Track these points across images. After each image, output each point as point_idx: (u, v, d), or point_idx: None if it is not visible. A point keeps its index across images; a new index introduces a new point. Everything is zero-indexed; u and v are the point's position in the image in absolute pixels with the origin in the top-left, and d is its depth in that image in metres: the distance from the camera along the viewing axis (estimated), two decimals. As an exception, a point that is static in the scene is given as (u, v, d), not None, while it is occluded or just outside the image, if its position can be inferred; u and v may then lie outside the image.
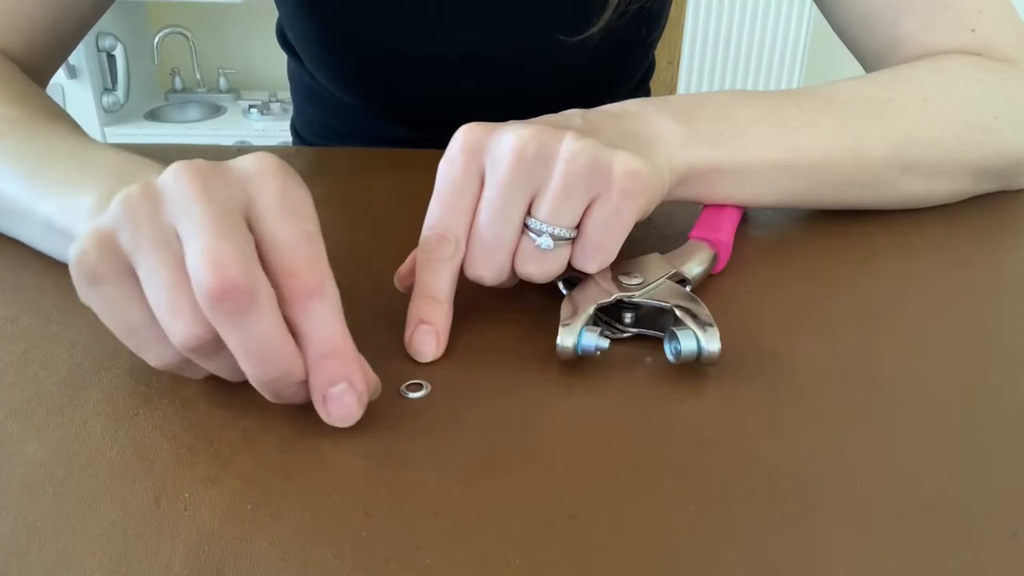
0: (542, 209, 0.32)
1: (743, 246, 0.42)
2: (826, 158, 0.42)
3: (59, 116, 0.46)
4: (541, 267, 0.33)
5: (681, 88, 2.17)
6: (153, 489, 0.26)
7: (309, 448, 0.28)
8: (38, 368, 0.32)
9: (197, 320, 0.26)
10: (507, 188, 0.32)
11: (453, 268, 0.33)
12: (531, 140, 0.32)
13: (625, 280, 0.34)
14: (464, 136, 0.33)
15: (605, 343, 0.32)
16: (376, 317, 0.36)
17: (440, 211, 0.33)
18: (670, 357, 0.32)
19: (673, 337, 0.31)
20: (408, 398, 0.30)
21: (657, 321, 0.34)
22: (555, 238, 0.32)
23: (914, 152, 0.44)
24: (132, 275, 0.27)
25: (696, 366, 0.32)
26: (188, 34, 2.28)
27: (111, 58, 2.08)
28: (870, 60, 0.54)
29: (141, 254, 0.27)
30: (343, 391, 0.27)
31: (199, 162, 0.28)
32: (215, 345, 0.27)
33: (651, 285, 0.34)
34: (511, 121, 0.34)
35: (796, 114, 0.42)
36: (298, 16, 0.65)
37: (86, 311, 0.36)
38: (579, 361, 0.32)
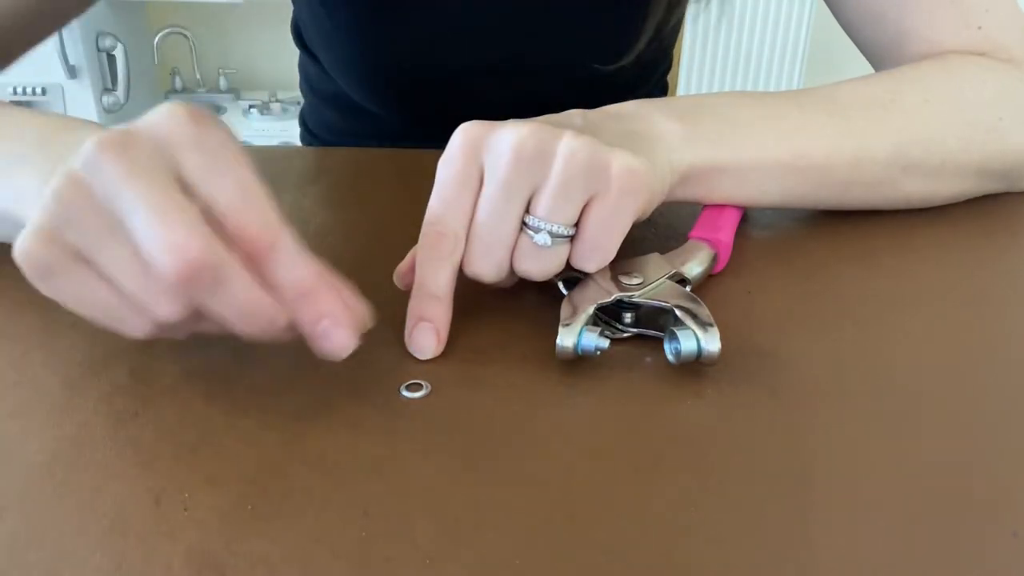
0: (540, 206, 0.32)
1: (743, 246, 0.42)
2: (828, 159, 0.42)
3: None
4: (539, 264, 0.33)
5: (681, 88, 2.17)
6: (153, 489, 0.26)
7: (309, 448, 0.28)
8: (38, 368, 0.32)
9: (173, 300, 0.26)
10: (506, 185, 0.32)
11: (452, 265, 0.33)
12: (530, 137, 0.32)
13: (625, 280, 0.34)
14: (463, 134, 0.33)
15: (605, 343, 0.32)
16: (377, 316, 0.36)
17: (439, 208, 0.33)
18: (670, 357, 0.32)
19: (673, 337, 0.31)
20: (408, 398, 0.30)
21: (657, 321, 0.34)
22: (553, 235, 0.32)
23: (916, 153, 0.44)
24: (83, 261, 0.27)
25: (696, 366, 0.32)
26: (188, 34, 2.27)
27: (111, 58, 2.08)
28: (875, 55, 0.54)
29: (92, 250, 0.27)
30: (328, 327, 0.28)
31: (112, 135, 0.27)
32: (196, 314, 0.27)
33: (651, 285, 0.34)
34: (510, 120, 0.34)
35: (798, 114, 0.42)
36: (336, 39, 0.65)
37: (86, 311, 0.36)
38: (579, 361, 0.32)
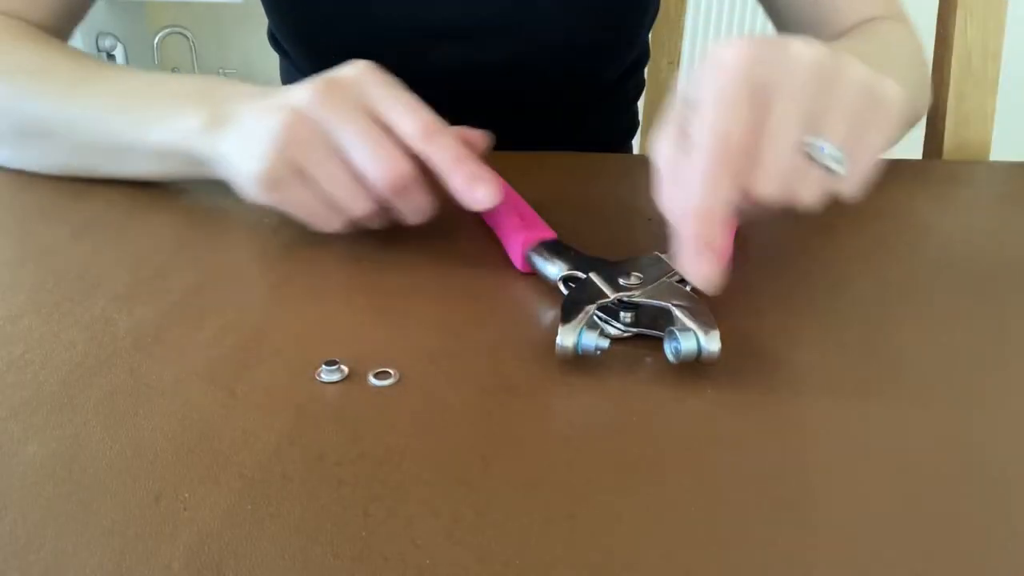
0: (833, 132, 0.32)
1: (743, 246, 0.42)
2: None
3: (111, 63, 0.53)
4: (818, 193, 0.33)
5: (681, 88, 2.17)
6: (153, 489, 0.26)
7: (309, 448, 0.28)
8: (38, 368, 0.32)
9: (368, 201, 0.38)
10: (802, 104, 0.31)
11: (739, 187, 0.31)
12: (826, 57, 0.32)
13: (625, 280, 0.34)
14: (739, 49, 0.32)
15: (605, 343, 0.32)
16: (375, 315, 0.36)
17: (728, 122, 0.31)
18: (670, 357, 0.32)
19: (673, 337, 0.31)
20: (376, 386, 0.30)
21: (657, 321, 0.34)
22: (839, 162, 0.32)
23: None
24: (300, 175, 0.37)
25: (696, 366, 0.32)
26: (188, 34, 2.28)
27: (111, 58, 2.08)
28: (811, 32, 0.60)
29: (313, 166, 0.37)
30: (477, 181, 0.37)
31: (321, 84, 0.38)
32: (374, 214, 0.39)
33: (651, 285, 0.34)
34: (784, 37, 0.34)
35: None
36: (278, 6, 0.66)
37: (85, 311, 0.36)
38: (579, 361, 0.32)
